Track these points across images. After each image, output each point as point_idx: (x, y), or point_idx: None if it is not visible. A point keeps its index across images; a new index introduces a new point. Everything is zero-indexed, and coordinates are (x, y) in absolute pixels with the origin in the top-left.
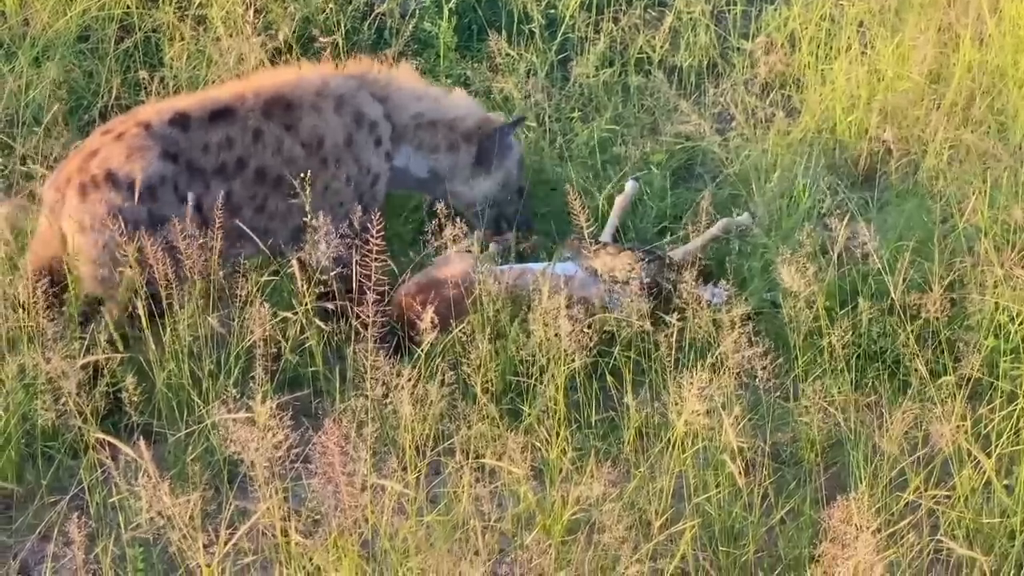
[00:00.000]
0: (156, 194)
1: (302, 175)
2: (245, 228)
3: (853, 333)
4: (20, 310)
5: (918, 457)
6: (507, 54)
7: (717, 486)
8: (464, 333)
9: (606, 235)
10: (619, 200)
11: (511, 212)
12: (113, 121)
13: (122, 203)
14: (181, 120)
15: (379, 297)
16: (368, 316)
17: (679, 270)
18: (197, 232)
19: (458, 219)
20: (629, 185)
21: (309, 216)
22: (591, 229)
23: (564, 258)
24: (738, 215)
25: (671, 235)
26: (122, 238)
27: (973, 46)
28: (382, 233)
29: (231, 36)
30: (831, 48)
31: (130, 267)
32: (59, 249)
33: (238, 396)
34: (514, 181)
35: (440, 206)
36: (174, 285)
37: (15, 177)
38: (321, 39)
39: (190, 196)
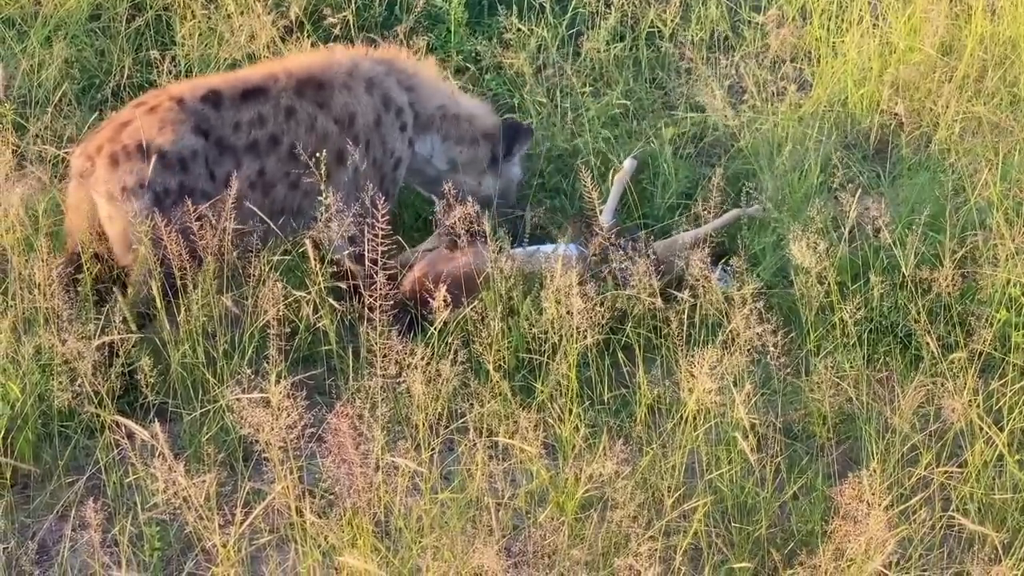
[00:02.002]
0: (187, 166)
1: (316, 155)
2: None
3: (865, 308)
4: (36, 291)
5: (930, 432)
6: (518, 29)
7: (729, 462)
8: (476, 311)
9: (607, 213)
10: (618, 177)
11: (507, 204)
12: (147, 94)
13: (152, 174)
14: (213, 98)
15: (389, 277)
16: (379, 296)
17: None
18: (226, 211)
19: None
20: (627, 163)
21: (324, 195)
22: (602, 206)
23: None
24: (750, 206)
25: (681, 212)
26: (151, 209)
27: (985, 18)
28: (387, 217)
29: (242, 14)
30: (843, 21)
31: (144, 245)
32: (89, 214)
33: (252, 376)
34: (512, 193)
35: (448, 185)
36: (188, 265)
37: (30, 156)
38: (331, 16)
39: (234, 175)
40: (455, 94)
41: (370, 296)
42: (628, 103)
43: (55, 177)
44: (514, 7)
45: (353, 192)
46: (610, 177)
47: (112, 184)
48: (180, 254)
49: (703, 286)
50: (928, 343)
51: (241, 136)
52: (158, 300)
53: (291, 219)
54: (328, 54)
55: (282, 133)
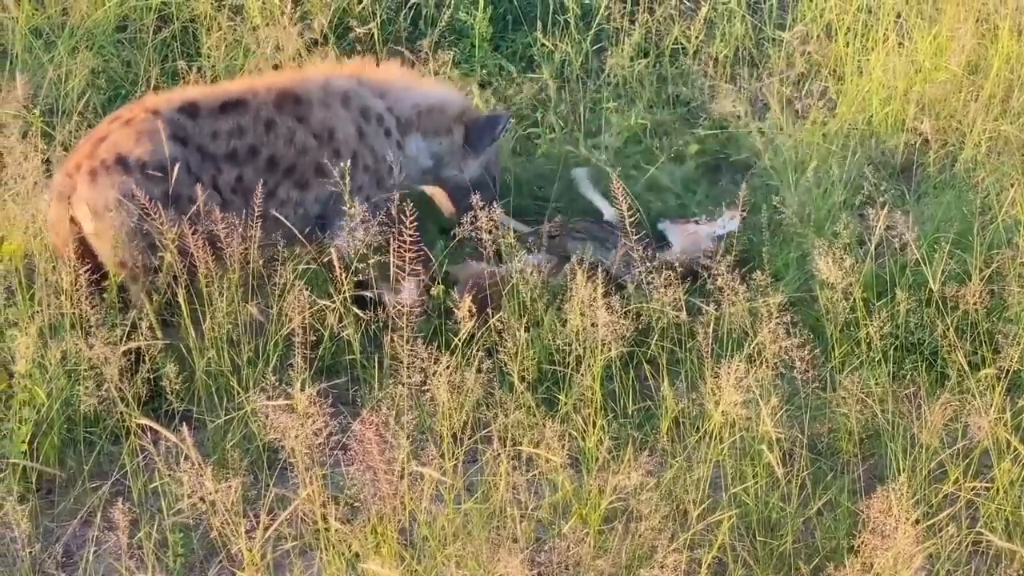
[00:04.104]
0: (167, 174)
1: (320, 165)
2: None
3: (891, 324)
4: (63, 296)
5: (957, 449)
6: (542, 44)
7: (754, 476)
8: (500, 322)
9: (605, 209)
10: (583, 185)
11: (488, 197)
12: (121, 109)
13: (134, 184)
14: (190, 108)
15: (414, 285)
16: (404, 305)
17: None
18: (231, 217)
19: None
20: (577, 171)
21: (348, 203)
22: (633, 218)
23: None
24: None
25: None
26: (138, 218)
27: (1012, 37)
28: (415, 223)
29: (268, 26)
30: (868, 39)
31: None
32: (67, 234)
33: (277, 383)
34: (493, 166)
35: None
36: (213, 272)
37: (57, 165)
38: (357, 29)
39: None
40: (422, 85)
41: (394, 305)
42: (648, 120)
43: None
44: (538, 22)
45: (338, 204)
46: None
47: (94, 199)
48: (206, 262)
49: (729, 299)
50: (955, 360)
51: (220, 144)
52: (184, 307)
53: (271, 228)
54: (302, 71)
55: (261, 144)
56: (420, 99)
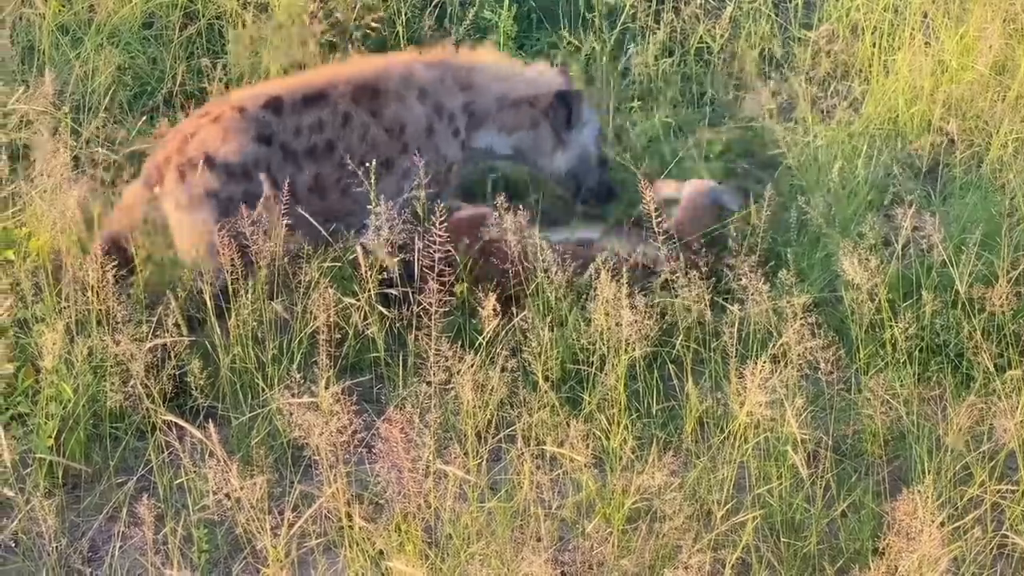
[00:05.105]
0: (251, 175)
1: (389, 159)
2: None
3: (916, 326)
4: (89, 292)
5: (982, 452)
6: (568, 43)
7: (779, 477)
8: (525, 320)
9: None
10: None
11: (592, 183)
12: (209, 104)
13: (218, 184)
14: (275, 104)
15: (442, 285)
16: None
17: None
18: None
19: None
20: None
21: (373, 203)
22: (659, 217)
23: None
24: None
25: None
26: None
27: None
28: (445, 223)
29: (292, 24)
30: (894, 38)
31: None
32: (137, 218)
33: (301, 381)
34: (592, 153)
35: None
36: (240, 271)
37: (83, 164)
38: (372, 22)
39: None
40: (515, 76)
41: (419, 304)
42: (671, 120)
43: (107, 181)
44: (563, 20)
45: (399, 198)
46: None
47: (180, 195)
48: (233, 261)
49: (754, 299)
50: (981, 362)
51: (302, 140)
52: (209, 305)
53: (343, 225)
54: (384, 61)
55: (337, 139)
56: (508, 90)
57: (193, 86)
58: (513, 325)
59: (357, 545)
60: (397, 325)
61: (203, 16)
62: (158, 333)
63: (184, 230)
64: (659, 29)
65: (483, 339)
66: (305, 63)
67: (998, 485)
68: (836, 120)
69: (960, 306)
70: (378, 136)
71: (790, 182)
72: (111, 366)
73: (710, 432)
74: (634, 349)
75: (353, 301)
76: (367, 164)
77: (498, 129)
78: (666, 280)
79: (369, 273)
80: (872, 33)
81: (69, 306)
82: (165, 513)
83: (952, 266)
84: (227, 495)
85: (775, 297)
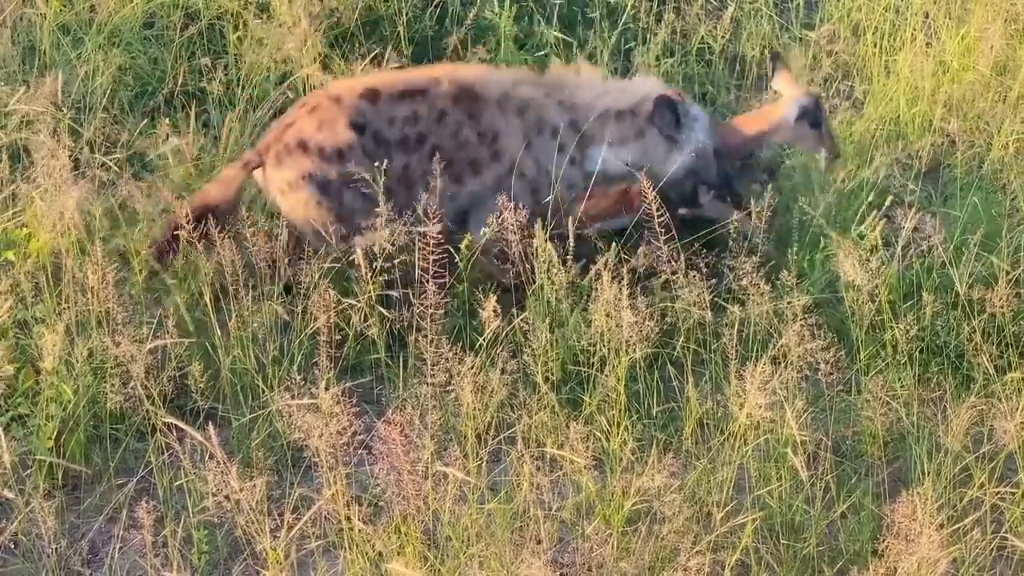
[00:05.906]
0: (345, 158)
1: (475, 160)
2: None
3: (916, 327)
4: (89, 294)
5: (982, 453)
6: (567, 43)
7: (778, 479)
8: (525, 322)
9: None
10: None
11: (711, 177)
12: (309, 95)
13: (312, 167)
14: (371, 95)
15: (439, 287)
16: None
17: None
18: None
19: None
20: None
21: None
22: (661, 217)
23: None
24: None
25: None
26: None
27: None
28: (439, 225)
29: (294, 24)
30: (895, 39)
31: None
32: (231, 195)
33: (301, 382)
34: (708, 145)
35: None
36: (240, 273)
37: (84, 166)
38: (383, 28)
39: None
40: (616, 88)
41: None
42: None
43: (107, 183)
44: (565, 21)
45: (494, 204)
46: None
47: (280, 180)
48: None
49: (754, 300)
50: (981, 363)
51: (395, 131)
52: (209, 305)
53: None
54: (492, 70)
55: (429, 133)
56: (609, 104)
57: (194, 86)
58: (513, 326)
59: (357, 547)
60: (397, 326)
61: (204, 16)
62: (159, 334)
63: (293, 211)
64: (660, 29)
65: (483, 340)
66: (305, 63)
67: (998, 487)
68: (837, 120)
69: (960, 307)
70: (470, 137)
71: (791, 182)
72: (111, 367)
73: (710, 433)
74: (634, 350)
75: (353, 302)
76: (456, 164)
77: (608, 144)
78: (666, 280)
79: (369, 275)
80: (873, 33)
81: (69, 307)
82: (165, 515)
83: (952, 267)
84: (227, 497)
85: (775, 298)
